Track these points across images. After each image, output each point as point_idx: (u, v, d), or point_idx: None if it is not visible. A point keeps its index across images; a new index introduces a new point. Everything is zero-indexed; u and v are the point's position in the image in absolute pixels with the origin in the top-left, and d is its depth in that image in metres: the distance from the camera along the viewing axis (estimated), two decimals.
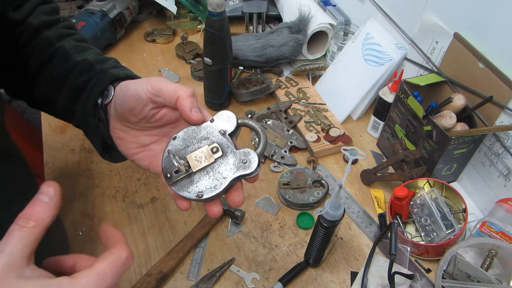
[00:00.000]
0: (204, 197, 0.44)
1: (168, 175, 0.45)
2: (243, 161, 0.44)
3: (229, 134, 0.45)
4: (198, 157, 0.44)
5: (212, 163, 0.44)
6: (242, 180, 0.45)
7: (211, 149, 0.44)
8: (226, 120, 0.46)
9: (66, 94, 0.54)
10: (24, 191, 0.53)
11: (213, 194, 0.44)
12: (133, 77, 0.54)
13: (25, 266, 0.31)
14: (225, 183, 0.44)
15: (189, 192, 0.44)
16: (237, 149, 0.45)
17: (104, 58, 0.56)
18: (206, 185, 0.44)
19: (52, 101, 0.56)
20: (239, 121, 0.46)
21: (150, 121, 0.49)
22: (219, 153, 0.44)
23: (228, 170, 0.44)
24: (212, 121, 0.46)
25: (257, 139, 0.48)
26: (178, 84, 0.46)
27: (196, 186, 0.44)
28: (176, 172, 0.44)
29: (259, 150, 0.46)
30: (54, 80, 0.54)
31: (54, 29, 0.57)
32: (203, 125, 0.46)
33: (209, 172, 0.44)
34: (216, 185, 0.44)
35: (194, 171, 0.44)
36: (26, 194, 0.53)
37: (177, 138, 0.46)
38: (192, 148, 0.45)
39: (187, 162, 0.44)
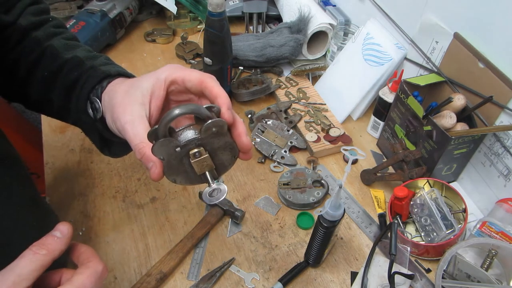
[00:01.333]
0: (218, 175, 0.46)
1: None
2: (214, 132, 0.43)
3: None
4: (199, 165, 0.44)
5: (211, 160, 0.44)
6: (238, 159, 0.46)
7: (194, 155, 0.43)
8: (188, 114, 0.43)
9: (59, 92, 0.53)
10: (22, 193, 0.53)
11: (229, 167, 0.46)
12: (124, 74, 0.53)
13: None
14: (231, 161, 0.45)
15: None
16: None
17: (94, 55, 0.55)
18: (222, 164, 0.45)
19: (47, 101, 0.55)
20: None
21: None
22: (205, 153, 0.43)
23: (225, 155, 0.45)
24: (180, 133, 0.43)
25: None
26: (132, 115, 0.44)
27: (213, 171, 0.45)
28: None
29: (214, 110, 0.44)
30: (45, 79, 0.54)
31: (43, 29, 0.56)
32: (170, 138, 0.43)
33: (214, 164, 0.45)
34: (226, 166, 0.46)
35: (213, 185, 0.45)
36: (23, 196, 0.53)
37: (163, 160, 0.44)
38: (183, 162, 0.44)
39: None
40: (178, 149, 0.42)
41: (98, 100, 0.50)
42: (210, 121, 0.41)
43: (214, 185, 0.44)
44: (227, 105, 0.43)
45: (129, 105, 0.45)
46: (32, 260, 0.35)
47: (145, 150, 0.42)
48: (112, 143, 0.55)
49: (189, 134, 0.42)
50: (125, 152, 0.59)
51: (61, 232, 0.38)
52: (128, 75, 0.54)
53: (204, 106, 0.43)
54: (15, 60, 0.55)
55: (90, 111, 0.51)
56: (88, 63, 0.53)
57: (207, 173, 0.44)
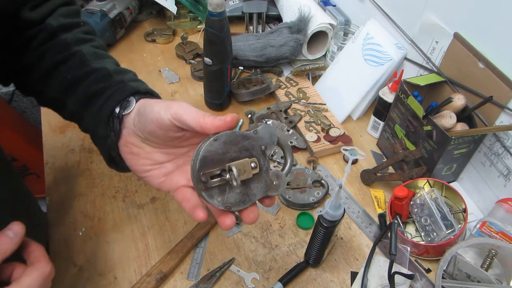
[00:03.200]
0: (232, 209, 0.43)
1: (203, 179, 0.41)
2: (273, 182, 0.44)
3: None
4: (240, 169, 0.42)
5: (248, 178, 0.42)
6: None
7: (251, 164, 0.42)
8: (268, 137, 0.44)
9: (78, 98, 0.53)
10: None
11: (240, 208, 0.43)
12: (151, 93, 0.53)
13: None
14: (253, 200, 0.43)
15: (218, 201, 0.42)
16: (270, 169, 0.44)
17: (122, 69, 0.55)
18: (236, 199, 0.43)
19: (61, 103, 0.55)
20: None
21: (172, 143, 0.48)
22: (257, 170, 0.43)
23: (258, 189, 0.43)
24: (255, 132, 0.43)
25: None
26: (199, 111, 0.44)
27: (226, 197, 0.42)
28: (213, 177, 0.42)
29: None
30: (67, 82, 0.53)
31: (73, 32, 0.56)
32: (246, 133, 0.43)
33: (241, 186, 0.43)
34: (244, 200, 0.43)
35: (235, 184, 0.41)
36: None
37: (218, 139, 0.41)
38: (231, 155, 0.42)
39: (230, 171, 0.41)
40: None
41: (134, 100, 0.49)
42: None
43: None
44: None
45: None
46: None
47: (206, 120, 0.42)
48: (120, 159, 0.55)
49: None
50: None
51: (14, 232, 0.39)
52: (156, 95, 0.53)
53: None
54: (39, 57, 0.54)
55: (110, 124, 0.50)
56: (117, 77, 0.53)
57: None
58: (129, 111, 0.49)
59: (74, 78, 0.53)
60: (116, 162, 0.54)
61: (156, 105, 0.46)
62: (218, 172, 0.42)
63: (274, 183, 0.44)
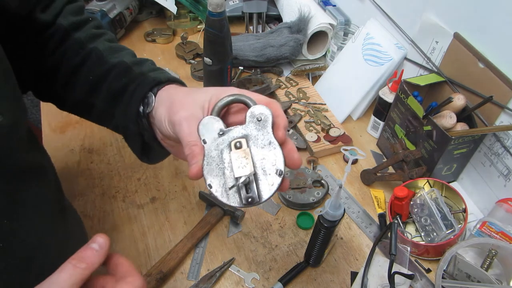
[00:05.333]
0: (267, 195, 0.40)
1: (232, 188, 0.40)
2: (258, 119, 0.41)
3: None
4: (239, 162, 0.40)
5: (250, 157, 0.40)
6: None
7: (235, 145, 0.41)
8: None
9: (104, 97, 0.53)
10: (50, 206, 0.52)
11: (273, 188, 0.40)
12: (173, 80, 0.52)
13: None
14: (276, 146, 0.41)
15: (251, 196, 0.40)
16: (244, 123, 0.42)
17: (140, 60, 0.55)
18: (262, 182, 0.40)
19: (88, 105, 0.54)
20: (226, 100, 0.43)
21: None
22: (244, 145, 0.41)
23: (264, 144, 0.41)
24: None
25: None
26: (192, 131, 0.42)
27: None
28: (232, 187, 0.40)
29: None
30: (90, 83, 0.53)
31: (84, 30, 0.56)
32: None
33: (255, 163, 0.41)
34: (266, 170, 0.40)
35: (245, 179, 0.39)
36: (52, 209, 0.52)
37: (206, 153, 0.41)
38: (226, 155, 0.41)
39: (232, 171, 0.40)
40: (221, 133, 0.41)
41: (153, 95, 0.49)
42: (254, 106, 0.41)
43: (241, 205, 0.40)
44: (283, 125, 0.43)
45: (189, 104, 0.44)
46: (72, 274, 0.34)
47: (195, 148, 0.42)
48: (151, 150, 0.54)
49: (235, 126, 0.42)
50: (162, 158, 0.58)
51: (99, 245, 0.37)
52: (178, 81, 0.53)
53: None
54: (57, 62, 0.54)
55: (141, 110, 0.50)
56: (136, 69, 0.52)
57: (242, 179, 0.40)
58: (151, 108, 0.49)
59: (96, 77, 0.53)
60: (148, 153, 0.54)
61: (160, 108, 0.46)
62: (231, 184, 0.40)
63: (259, 119, 0.41)
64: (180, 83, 0.53)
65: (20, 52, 0.52)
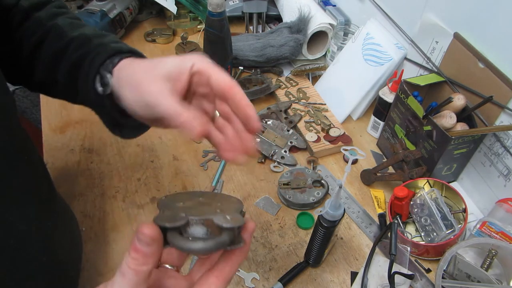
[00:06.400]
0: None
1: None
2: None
3: None
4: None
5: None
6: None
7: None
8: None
9: (65, 70, 0.51)
10: (38, 193, 0.52)
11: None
12: (136, 52, 0.50)
13: None
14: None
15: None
16: None
17: (102, 33, 0.53)
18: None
19: (53, 82, 0.53)
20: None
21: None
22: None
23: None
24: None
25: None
26: (175, 98, 0.41)
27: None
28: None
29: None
30: (50, 59, 0.51)
31: (45, 9, 0.55)
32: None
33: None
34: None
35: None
36: (40, 196, 0.52)
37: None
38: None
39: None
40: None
41: (109, 75, 0.47)
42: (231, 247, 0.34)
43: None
44: (256, 128, 0.42)
45: (155, 80, 0.42)
46: (134, 281, 0.32)
47: (186, 115, 0.40)
48: (123, 126, 0.52)
49: (197, 231, 0.34)
50: (136, 134, 0.55)
51: (151, 238, 0.31)
52: (141, 55, 0.51)
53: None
54: (18, 43, 0.53)
55: (99, 87, 0.47)
56: (96, 41, 0.50)
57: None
58: (110, 89, 0.47)
59: (56, 52, 0.51)
60: (121, 128, 0.52)
61: (125, 89, 0.44)
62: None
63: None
64: (141, 56, 0.51)
65: None
